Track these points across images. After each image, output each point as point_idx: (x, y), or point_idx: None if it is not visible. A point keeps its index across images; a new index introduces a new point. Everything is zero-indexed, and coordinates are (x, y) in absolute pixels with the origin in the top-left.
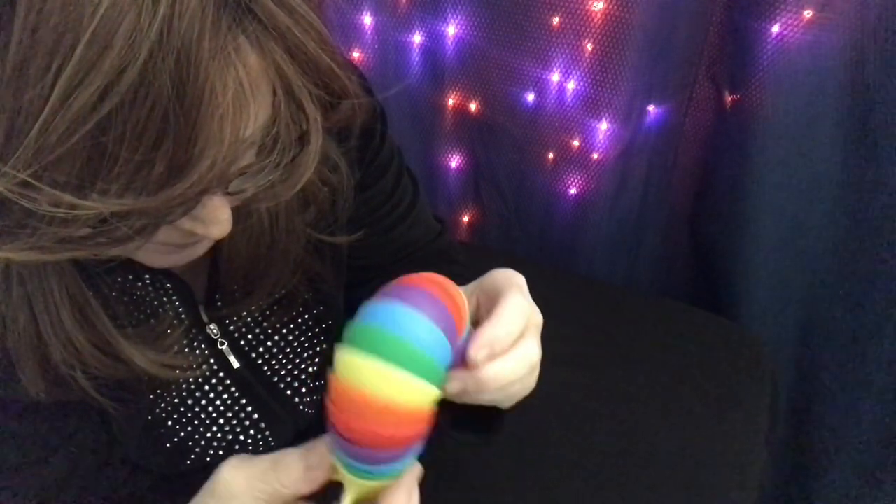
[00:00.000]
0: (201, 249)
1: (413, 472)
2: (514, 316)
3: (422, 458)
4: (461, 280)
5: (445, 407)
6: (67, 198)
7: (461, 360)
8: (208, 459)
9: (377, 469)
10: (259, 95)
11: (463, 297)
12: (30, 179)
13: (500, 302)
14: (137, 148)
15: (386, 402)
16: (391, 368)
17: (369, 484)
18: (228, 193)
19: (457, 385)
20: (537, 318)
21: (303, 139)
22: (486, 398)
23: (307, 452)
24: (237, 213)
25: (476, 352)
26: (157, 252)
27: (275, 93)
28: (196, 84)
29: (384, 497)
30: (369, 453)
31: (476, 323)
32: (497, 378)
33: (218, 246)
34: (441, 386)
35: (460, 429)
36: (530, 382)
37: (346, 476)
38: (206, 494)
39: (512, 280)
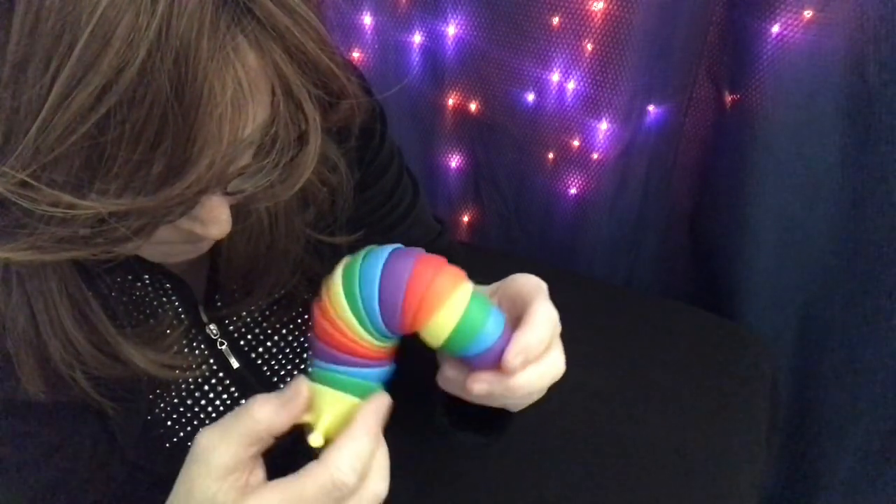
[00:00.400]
0: (201, 248)
1: (380, 399)
2: (545, 323)
3: (420, 458)
4: None
5: (448, 407)
6: (66, 198)
7: (491, 362)
8: None
9: (346, 371)
10: (258, 95)
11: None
12: (28, 179)
13: (530, 309)
14: (136, 148)
15: (344, 326)
16: (348, 311)
17: (341, 401)
18: (227, 193)
19: (483, 387)
20: (559, 325)
21: (302, 139)
22: (507, 402)
23: (279, 391)
24: (236, 213)
25: (513, 358)
26: (157, 249)
27: (274, 93)
28: (195, 84)
29: (354, 419)
30: (337, 355)
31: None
32: (527, 385)
33: (217, 246)
34: (379, 339)
35: (462, 429)
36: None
37: (319, 394)
38: (187, 463)
39: (540, 286)
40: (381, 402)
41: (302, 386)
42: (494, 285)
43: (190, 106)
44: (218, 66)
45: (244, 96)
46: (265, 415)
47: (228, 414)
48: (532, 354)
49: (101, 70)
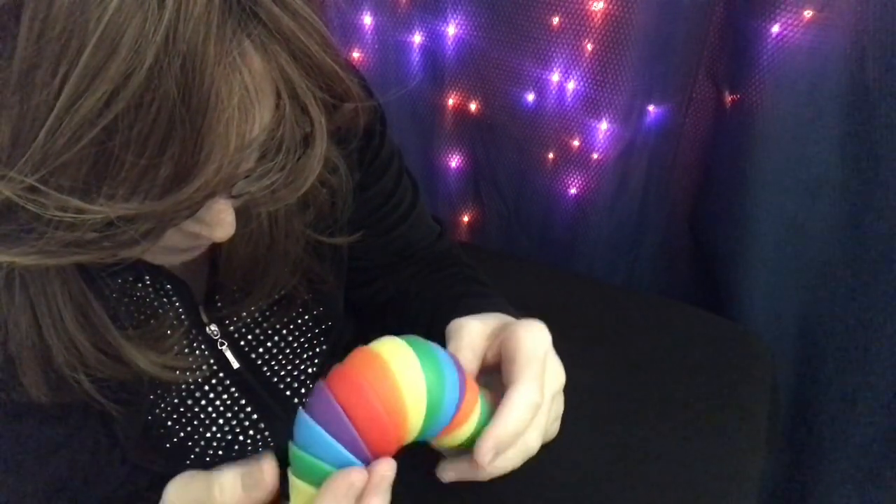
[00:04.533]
0: (201, 249)
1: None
2: (522, 412)
3: (419, 456)
4: (466, 283)
5: None
6: (74, 202)
7: (454, 425)
8: (207, 459)
9: (346, 460)
10: (264, 99)
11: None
12: (36, 184)
13: (511, 392)
14: (144, 152)
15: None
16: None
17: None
18: (233, 197)
19: (452, 475)
20: (559, 380)
21: (307, 141)
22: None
23: (245, 473)
24: (239, 215)
25: (484, 455)
26: (160, 251)
27: (279, 96)
28: (202, 88)
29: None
30: (357, 440)
31: (493, 367)
32: (497, 471)
33: (217, 246)
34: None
35: None
36: None
37: (297, 489)
38: None
39: (534, 352)
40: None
41: (265, 475)
42: (501, 325)
43: (197, 111)
44: (225, 71)
45: (251, 100)
46: (228, 499)
47: (198, 478)
48: (503, 447)
49: (109, 76)
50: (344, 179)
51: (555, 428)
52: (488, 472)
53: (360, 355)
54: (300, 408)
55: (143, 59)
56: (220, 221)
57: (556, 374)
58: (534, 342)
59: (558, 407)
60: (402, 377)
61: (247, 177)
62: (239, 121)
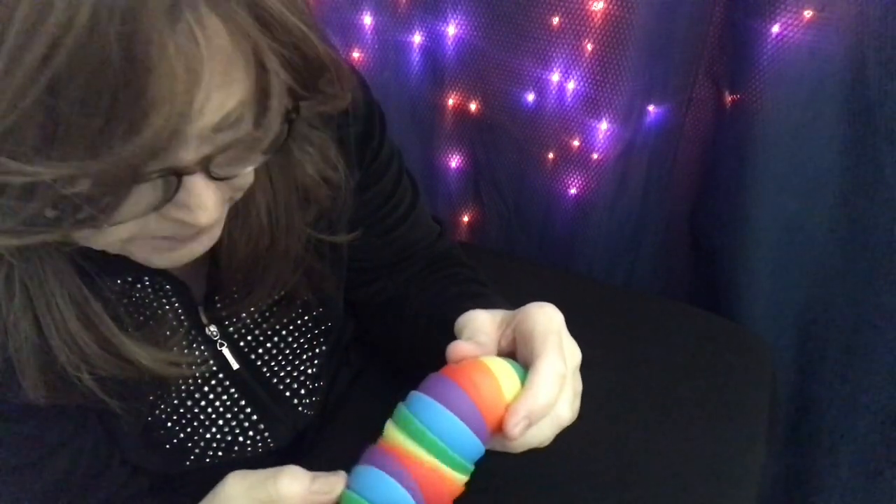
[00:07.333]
0: (200, 248)
1: None
2: (551, 384)
3: None
4: (466, 283)
5: None
6: (22, 167)
7: (497, 426)
8: (207, 460)
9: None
10: (213, 52)
11: (497, 382)
12: None
13: (537, 365)
14: (88, 109)
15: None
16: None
17: None
18: (215, 178)
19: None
20: (576, 357)
21: (266, 96)
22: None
23: (316, 477)
24: (234, 209)
25: (514, 427)
26: (155, 250)
27: (242, 55)
28: (143, 44)
29: None
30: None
31: (511, 354)
32: (527, 444)
33: (217, 246)
34: (466, 474)
35: None
36: None
37: None
38: (208, 500)
39: (550, 326)
40: None
41: (337, 486)
42: (510, 314)
43: (139, 62)
44: (167, 21)
45: (198, 51)
46: (292, 492)
47: (263, 472)
48: (535, 418)
49: (47, 32)
50: (343, 177)
51: (577, 405)
52: (521, 444)
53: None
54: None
55: (80, 13)
56: (202, 204)
57: (572, 351)
58: (548, 320)
59: (577, 384)
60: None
61: (223, 152)
62: (184, 74)
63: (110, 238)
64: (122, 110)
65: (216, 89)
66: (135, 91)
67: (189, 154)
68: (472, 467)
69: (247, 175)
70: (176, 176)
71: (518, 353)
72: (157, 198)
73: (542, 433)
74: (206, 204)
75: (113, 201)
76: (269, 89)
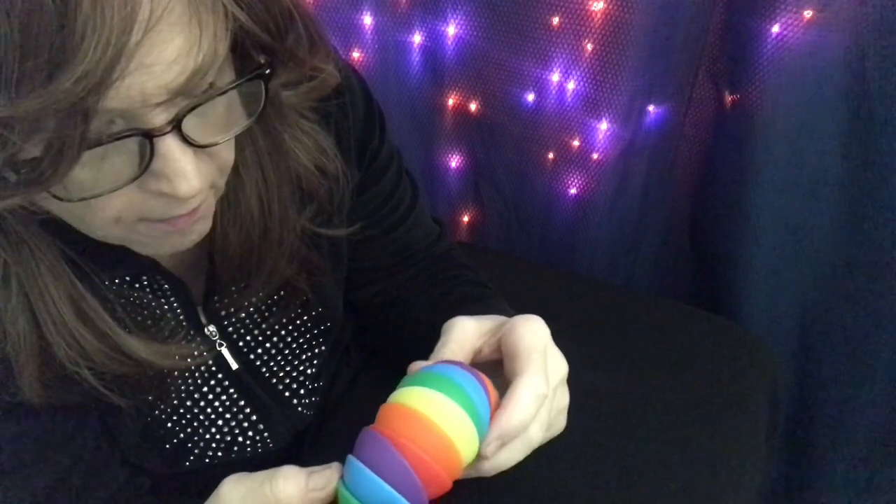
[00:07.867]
0: (194, 236)
1: None
2: (526, 405)
3: None
4: (466, 285)
5: None
6: None
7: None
8: (207, 460)
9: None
10: None
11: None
12: None
13: (517, 384)
14: (17, 45)
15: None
16: (459, 408)
17: None
18: (192, 144)
19: None
20: (561, 372)
21: (230, 48)
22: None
23: (311, 473)
24: (226, 201)
25: (487, 446)
26: (148, 236)
27: (199, 4)
28: None
29: None
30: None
31: (492, 363)
32: (498, 466)
33: (211, 243)
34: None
35: None
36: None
37: None
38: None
39: (534, 342)
40: None
41: (332, 480)
42: (499, 323)
43: None
44: None
45: None
46: (287, 494)
47: (258, 475)
48: (509, 439)
49: None
50: (340, 171)
51: (561, 421)
52: (491, 464)
53: (394, 413)
54: (351, 457)
55: None
56: (179, 171)
57: (557, 366)
58: (533, 335)
59: (562, 399)
60: (444, 424)
61: (191, 109)
62: (118, 6)
63: (100, 216)
64: (56, 41)
65: (172, 39)
66: (65, 20)
67: (158, 115)
68: None
69: (228, 149)
70: (146, 138)
71: (504, 367)
72: (133, 166)
73: (513, 454)
74: (185, 170)
75: (69, 153)
76: (234, 39)
